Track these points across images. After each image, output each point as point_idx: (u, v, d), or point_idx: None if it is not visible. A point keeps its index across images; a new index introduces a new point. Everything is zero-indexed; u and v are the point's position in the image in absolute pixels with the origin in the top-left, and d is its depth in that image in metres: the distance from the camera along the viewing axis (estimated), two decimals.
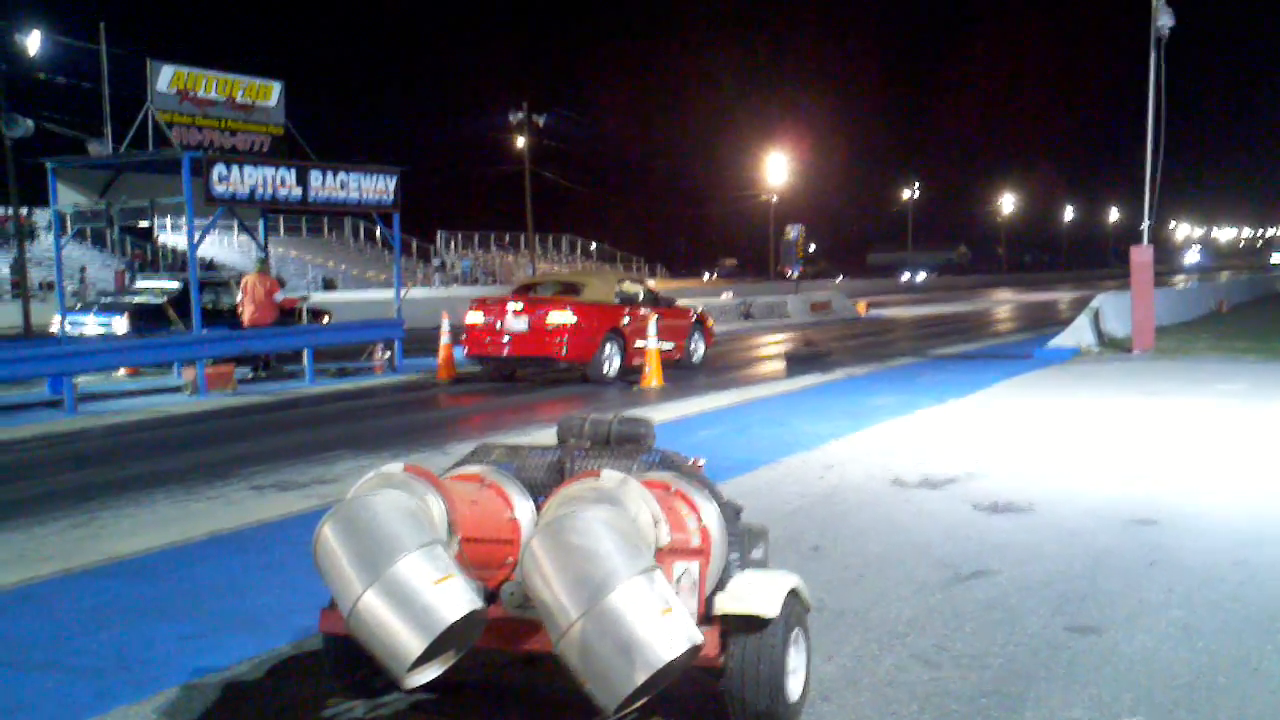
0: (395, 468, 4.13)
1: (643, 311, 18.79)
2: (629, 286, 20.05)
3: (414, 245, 65.56)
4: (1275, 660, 5.11)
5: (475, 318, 18.35)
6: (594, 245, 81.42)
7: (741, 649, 4.24)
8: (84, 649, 5.57)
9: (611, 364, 17.89)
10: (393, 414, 15.27)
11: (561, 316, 17.70)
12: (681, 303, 21.38)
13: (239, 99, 19.84)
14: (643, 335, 18.01)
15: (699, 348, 20.40)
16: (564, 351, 17.61)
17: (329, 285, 49.54)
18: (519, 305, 18.15)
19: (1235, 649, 5.25)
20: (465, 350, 18.64)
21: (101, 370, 17.80)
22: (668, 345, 19.26)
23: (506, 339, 17.91)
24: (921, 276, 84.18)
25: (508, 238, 75.56)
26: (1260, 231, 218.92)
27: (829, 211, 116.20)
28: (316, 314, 22.37)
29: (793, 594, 4.44)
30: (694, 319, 20.42)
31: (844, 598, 6.07)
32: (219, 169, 17.80)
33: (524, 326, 17.79)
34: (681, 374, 18.86)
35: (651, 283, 29.05)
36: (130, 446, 12.68)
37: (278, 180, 18.86)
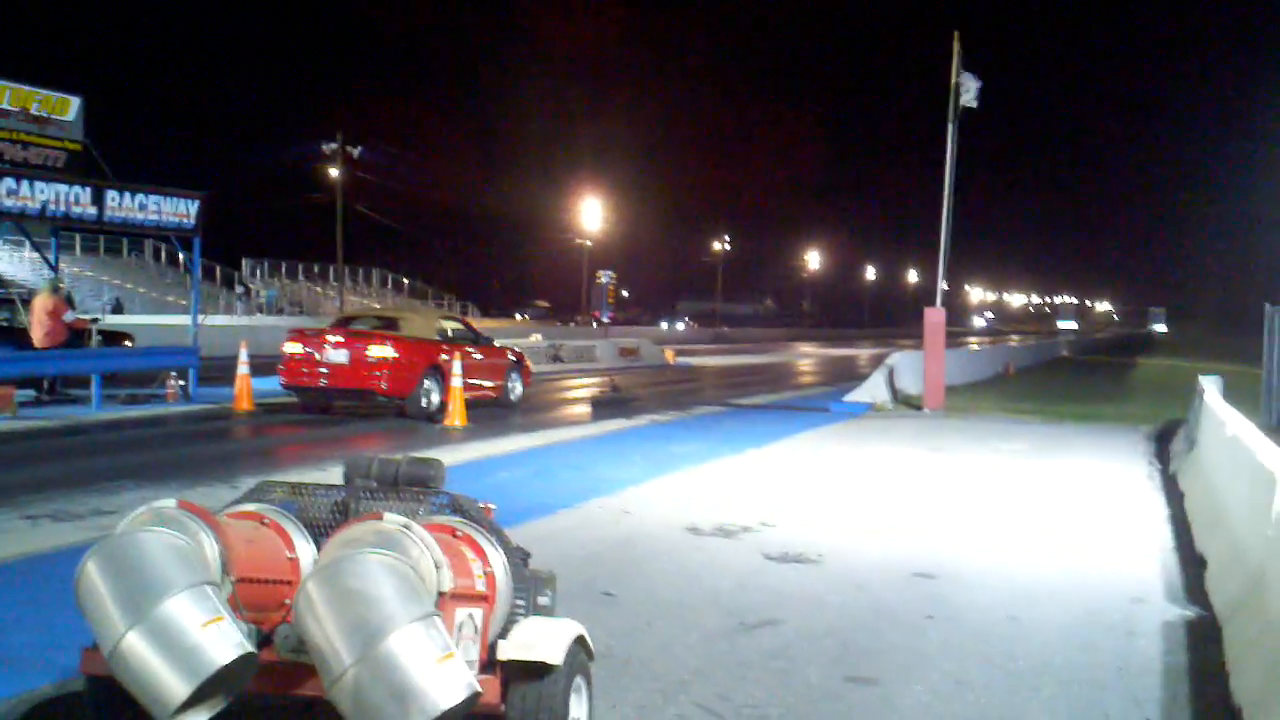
0: (168, 503, 3.97)
1: (466, 349, 18.83)
2: (449, 324, 20.10)
3: (218, 271, 63.67)
4: (1041, 715, 5.31)
5: (293, 348, 18.09)
6: (406, 281, 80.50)
7: (523, 697, 4.20)
8: None
9: (430, 400, 17.75)
10: (182, 444, 14.76)
11: (382, 351, 17.57)
12: (497, 343, 21.38)
13: (34, 111, 19.00)
14: (465, 372, 17.95)
15: (517, 387, 20.46)
16: (383, 386, 17.47)
17: (117, 308, 47.20)
18: (339, 338, 18.01)
19: (1004, 702, 5.44)
20: (281, 380, 18.29)
21: None
22: (489, 383, 19.44)
23: (324, 370, 17.71)
24: (680, 326, 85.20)
25: (316, 268, 74.07)
26: (1047, 298, 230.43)
27: (641, 258, 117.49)
28: (117, 336, 21.49)
29: (577, 641, 4.43)
30: (512, 359, 20.47)
31: (632, 645, 6.08)
32: (8, 182, 17.00)
33: (343, 359, 17.61)
34: (495, 413, 18.81)
35: (472, 321, 29.05)
36: None
37: (71, 198, 18.12)
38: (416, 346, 18.08)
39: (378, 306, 57.11)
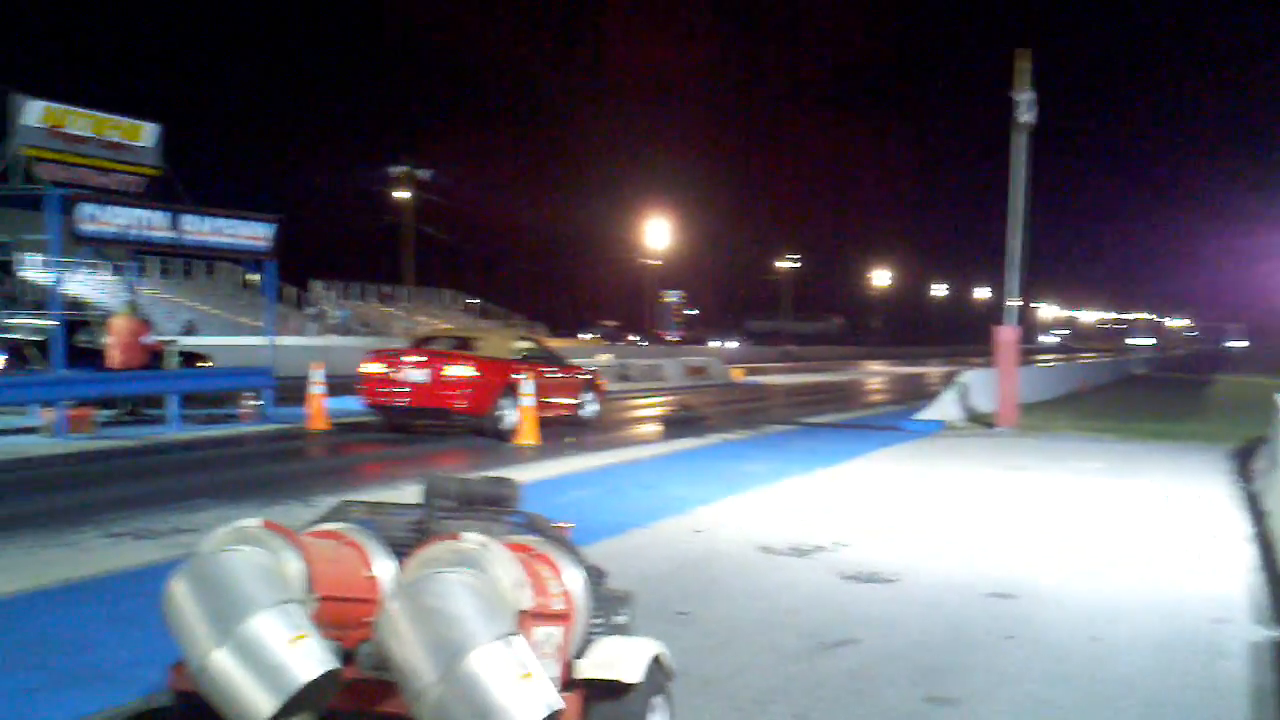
0: (252, 522, 4.02)
1: (541, 368, 19.13)
2: (524, 343, 20.35)
3: (290, 292, 64.56)
4: None
5: (373, 368, 18.45)
6: (474, 300, 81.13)
7: (603, 715, 4.19)
8: None
9: (506, 418, 17.91)
10: (258, 464, 14.96)
11: (460, 370, 17.84)
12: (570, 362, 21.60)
13: (111, 138, 19.43)
14: (540, 391, 18.21)
15: (591, 406, 20.63)
16: (461, 405, 17.73)
17: (189, 330, 46.84)
18: (418, 357, 18.35)
19: None
20: (364, 400, 18.64)
21: None
22: (564, 402, 19.76)
23: (404, 390, 17.99)
24: (733, 345, 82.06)
25: (387, 289, 74.88)
26: (1121, 315, 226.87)
27: (708, 277, 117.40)
28: (195, 358, 21.86)
29: (656, 660, 4.42)
30: (586, 378, 20.66)
31: (708, 665, 6.06)
32: (89, 208, 17.39)
33: (422, 378, 17.89)
34: (567, 432, 18.92)
35: (551, 342, 29.48)
36: None
37: (149, 222, 18.49)
38: (493, 366, 18.28)
39: (445, 326, 57.55)
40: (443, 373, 17.82)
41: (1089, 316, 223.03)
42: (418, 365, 18.05)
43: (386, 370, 18.23)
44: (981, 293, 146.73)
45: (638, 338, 75.48)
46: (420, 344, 20.22)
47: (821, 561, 8.83)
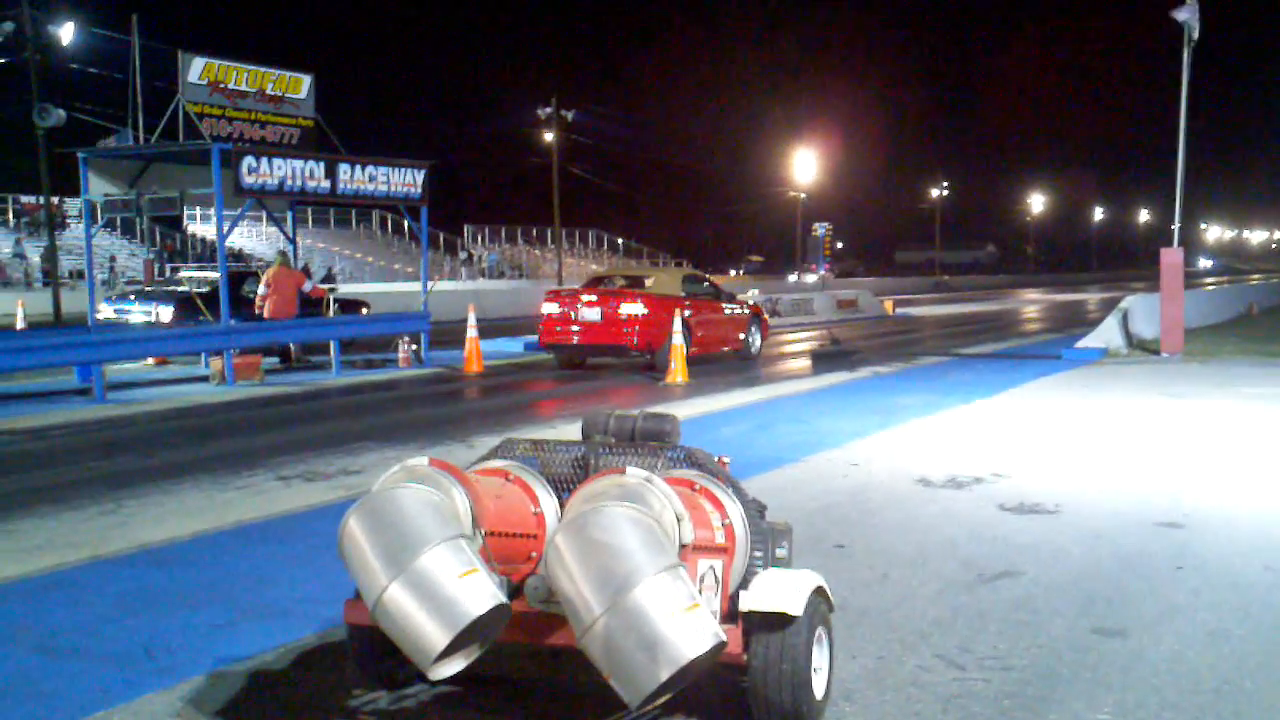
0: (420, 461, 4.14)
1: (712, 303, 19.94)
2: (692, 282, 20.73)
3: (441, 238, 65.68)
4: None
5: (550, 308, 19.14)
6: (621, 240, 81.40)
7: (765, 647, 4.22)
8: (112, 636, 5.61)
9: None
10: (418, 406, 15.32)
11: (633, 308, 18.45)
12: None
13: (269, 91, 19.94)
14: (707, 326, 19.10)
15: (756, 340, 21.25)
16: (635, 341, 18.32)
17: (328, 278, 45.95)
18: (592, 297, 18.94)
19: (1263, 654, 5.21)
20: (541, 339, 19.39)
21: (130, 359, 17.94)
22: (731, 337, 20.49)
23: (578, 328, 18.65)
24: (810, 278, 71.30)
25: (535, 232, 75.63)
26: None
27: (857, 209, 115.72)
28: (354, 305, 22.45)
29: (817, 592, 4.42)
30: (751, 313, 21.01)
31: (868, 597, 6.05)
32: (249, 160, 17.88)
33: (597, 317, 18.56)
34: (717, 369, 19.16)
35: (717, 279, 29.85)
36: (158, 435, 12.76)
37: (307, 172, 18.95)
38: (665, 302, 18.74)
39: (595, 268, 57.91)
40: (617, 311, 18.41)
41: (1257, 236, 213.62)
42: (592, 304, 18.64)
43: (563, 310, 18.84)
44: (1142, 216, 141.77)
45: (800, 274, 69.19)
46: (593, 284, 20.64)
47: (980, 493, 8.72)
